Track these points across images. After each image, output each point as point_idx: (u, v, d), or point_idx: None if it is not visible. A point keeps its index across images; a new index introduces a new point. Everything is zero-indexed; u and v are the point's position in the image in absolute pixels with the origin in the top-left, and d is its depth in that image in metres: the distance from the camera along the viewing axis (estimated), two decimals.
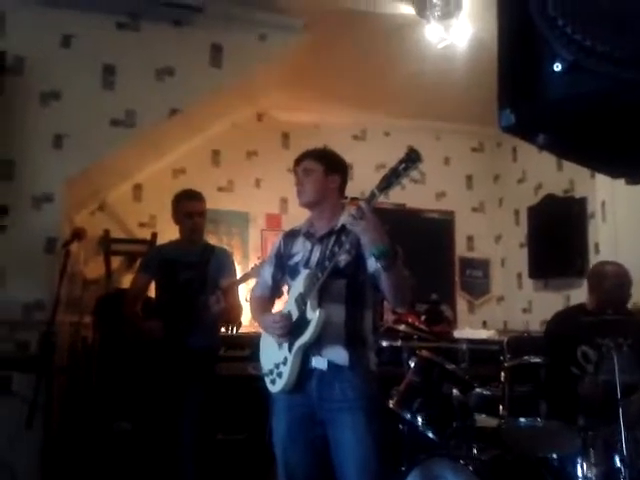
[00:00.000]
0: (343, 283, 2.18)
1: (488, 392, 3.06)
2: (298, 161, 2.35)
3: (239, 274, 3.37)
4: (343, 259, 2.17)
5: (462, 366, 3.82)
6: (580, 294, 4.16)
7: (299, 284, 2.22)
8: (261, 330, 2.42)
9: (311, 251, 2.28)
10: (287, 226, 5.69)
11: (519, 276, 5.83)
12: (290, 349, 2.19)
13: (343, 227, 2.20)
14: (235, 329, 4.17)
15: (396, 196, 5.76)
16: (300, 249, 2.33)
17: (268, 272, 2.44)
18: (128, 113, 3.82)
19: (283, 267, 2.38)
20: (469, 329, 5.31)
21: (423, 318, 4.70)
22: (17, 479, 2.93)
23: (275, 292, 2.46)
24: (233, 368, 4.08)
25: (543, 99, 0.90)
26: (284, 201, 5.48)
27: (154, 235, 4.67)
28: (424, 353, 3.13)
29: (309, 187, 2.29)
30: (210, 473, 3.26)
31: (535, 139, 1.00)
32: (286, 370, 2.18)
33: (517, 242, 5.84)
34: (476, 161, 6.11)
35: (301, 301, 2.18)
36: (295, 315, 2.21)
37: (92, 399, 3.76)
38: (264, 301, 2.47)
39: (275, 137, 5.50)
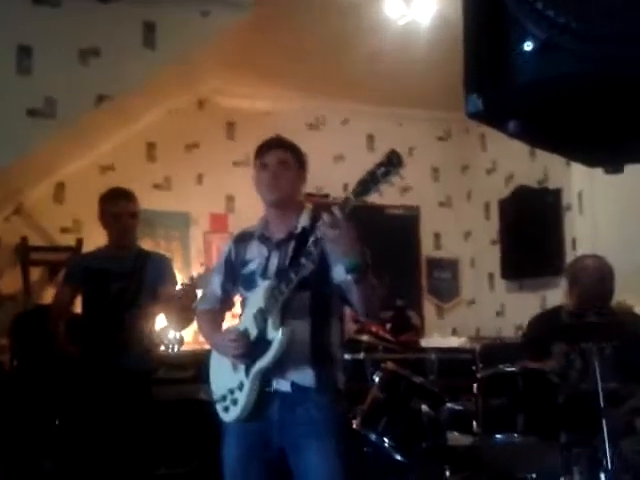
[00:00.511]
0: (307, 295, 2.17)
1: (460, 407, 3.10)
2: (267, 149, 2.30)
3: (179, 284, 3.32)
4: (308, 269, 2.14)
5: (431, 378, 3.86)
6: (558, 294, 4.26)
7: (258, 297, 2.18)
8: (210, 348, 2.38)
9: (268, 258, 2.26)
10: (234, 228, 5.77)
11: (491, 277, 5.95)
12: (247, 372, 2.16)
13: (304, 231, 2.21)
14: (177, 346, 4.13)
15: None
16: (255, 255, 2.30)
17: (217, 282, 2.40)
18: (47, 101, 3.73)
19: (235, 276, 2.35)
20: (438, 337, 5.38)
21: (388, 327, 4.73)
22: None
23: (225, 304, 2.43)
24: (174, 391, 4.03)
25: (513, 82, 0.91)
26: (230, 199, 5.45)
27: (79, 242, 4.57)
28: (389, 366, 3.15)
29: (285, 182, 2.25)
30: None
31: (505, 126, 1.01)
32: (242, 396, 2.16)
33: (488, 239, 5.96)
34: (442, 151, 6.20)
35: (261, 318, 2.15)
36: (253, 333, 2.17)
37: (10, 434, 3.65)
38: (213, 315, 2.43)
39: (219, 126, 5.47)
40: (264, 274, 2.24)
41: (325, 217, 1.95)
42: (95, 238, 3.57)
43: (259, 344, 2.14)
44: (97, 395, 3.01)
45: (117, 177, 4.79)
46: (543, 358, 3.03)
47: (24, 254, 4.56)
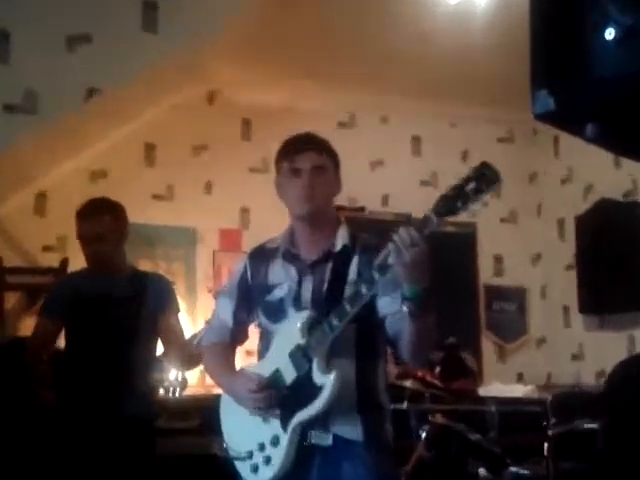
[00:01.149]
0: (352, 329, 2.16)
1: (527, 471, 3.07)
2: (298, 150, 2.27)
3: (182, 313, 3.35)
4: (364, 299, 2.11)
5: (491, 435, 3.82)
6: None
7: (293, 332, 2.16)
8: (221, 392, 2.36)
9: (299, 283, 2.25)
10: (250, 245, 5.72)
11: (565, 310, 5.89)
12: (285, 424, 2.13)
13: (344, 249, 2.23)
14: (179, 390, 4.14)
15: (398, 202, 5.91)
16: (282, 279, 2.28)
17: (228, 309, 2.39)
18: (28, 95, 3.80)
19: (251, 302, 2.35)
20: (499, 384, 5.31)
21: (437, 371, 4.70)
22: None
23: (238, 338, 2.42)
24: (175, 445, 4.04)
25: (590, 77, 0.91)
26: (245, 212, 5.49)
27: (64, 262, 4.60)
28: (439, 419, 3.15)
29: (322, 191, 2.24)
30: None
31: (581, 129, 1.01)
32: (278, 453, 2.14)
33: (562, 264, 5.90)
34: (504, 156, 6.14)
35: (302, 358, 2.13)
36: (290, 376, 2.16)
37: None
38: (224, 351, 2.41)
39: (232, 125, 5.52)
40: (296, 303, 2.23)
41: (402, 233, 1.95)
42: (83, 258, 3.61)
43: (300, 390, 2.13)
44: (87, 450, 3.01)
45: (110, 185, 4.84)
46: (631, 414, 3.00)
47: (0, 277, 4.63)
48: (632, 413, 3.00)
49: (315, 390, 2.09)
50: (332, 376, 2.08)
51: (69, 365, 3.21)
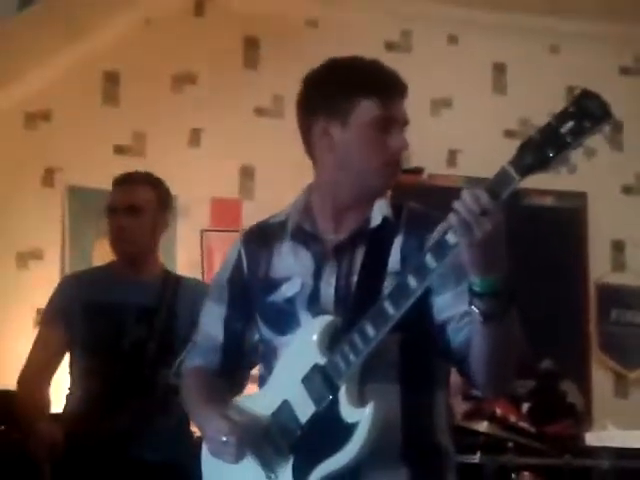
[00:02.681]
0: (395, 342, 2.12)
1: None
2: (396, 94, 2.26)
3: None
4: (414, 296, 2.04)
5: None
6: None
7: (308, 347, 2.14)
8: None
9: (318, 275, 2.23)
10: (254, 221, 5.83)
11: None
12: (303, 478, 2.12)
13: (385, 225, 2.20)
14: None
15: (471, 161, 5.84)
16: (293, 269, 2.27)
17: (218, 316, 2.40)
18: None
19: (249, 305, 2.35)
20: (616, 429, 5.31)
21: (526, 408, 4.71)
22: None
23: (233, 358, 2.42)
24: None
25: None
26: (248, 173, 5.54)
27: None
28: (527, 478, 3.15)
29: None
30: None
31: None
32: None
33: None
34: (630, 93, 6.12)
35: (323, 384, 2.10)
36: (306, 411, 2.13)
37: None
38: (210, 378, 2.41)
39: (230, 46, 5.56)
40: (313, 305, 2.20)
41: (468, 198, 1.87)
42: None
43: (321, 430, 2.10)
44: None
45: (54, 131, 4.96)
46: None
47: None
48: None
49: (344, 431, 2.04)
50: (368, 410, 2.01)
51: (75, 396, 3.41)
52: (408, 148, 2.24)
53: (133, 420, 3.22)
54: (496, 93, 5.97)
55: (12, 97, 5.05)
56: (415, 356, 2.15)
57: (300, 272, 2.24)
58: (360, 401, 2.04)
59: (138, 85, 5.37)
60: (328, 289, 2.20)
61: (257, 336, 2.35)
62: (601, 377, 5.96)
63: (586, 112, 1.78)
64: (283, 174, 5.45)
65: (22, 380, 3.44)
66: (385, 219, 2.20)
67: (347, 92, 2.22)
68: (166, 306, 3.38)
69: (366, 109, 2.20)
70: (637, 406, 5.93)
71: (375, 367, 2.09)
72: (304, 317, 2.20)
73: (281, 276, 2.26)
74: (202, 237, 5.45)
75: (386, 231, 2.20)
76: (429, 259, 1.94)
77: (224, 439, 2.11)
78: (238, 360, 2.41)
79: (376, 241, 2.21)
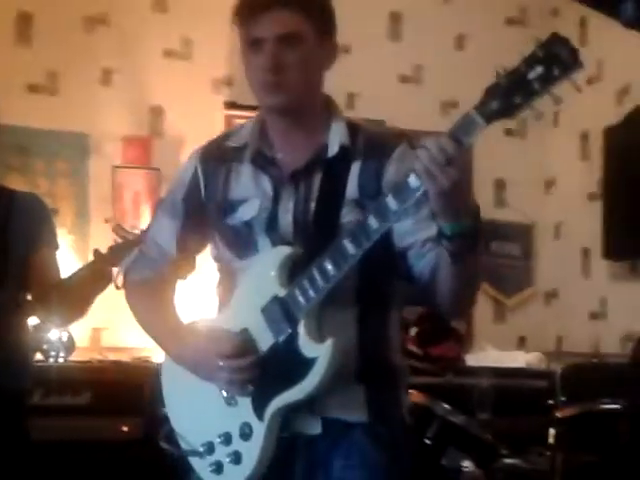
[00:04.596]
0: (354, 268, 2.01)
1: (525, 464, 3.16)
2: (257, 10, 2.09)
3: (69, 249, 3.35)
4: (352, 221, 2.02)
5: (481, 418, 3.90)
6: None
7: (267, 277, 2.07)
8: (164, 357, 2.31)
9: (276, 199, 2.15)
10: (163, 160, 5.60)
11: (585, 254, 5.99)
12: (261, 411, 2.06)
13: (343, 152, 2.11)
14: (64, 354, 4.15)
15: (365, 105, 5.85)
16: (252, 192, 2.18)
17: (170, 232, 2.32)
18: None
19: (204, 224, 2.27)
20: (494, 351, 5.42)
21: (413, 332, 4.77)
22: None
23: (181, 268, 2.39)
24: (59, 428, 4.09)
25: None
26: (157, 113, 5.48)
27: None
28: (414, 396, 3.19)
29: (298, 72, 2.08)
30: None
31: (618, 9, 1.02)
32: (252, 450, 2.08)
33: (583, 192, 5.98)
34: (514, 43, 6.14)
35: (282, 316, 2.04)
36: (265, 342, 2.09)
37: None
38: (163, 291, 2.37)
39: None
40: (271, 230, 2.14)
41: (432, 146, 1.77)
42: None
43: (280, 363, 2.05)
44: None
45: None
46: None
47: None
48: None
49: (303, 365, 1.99)
50: (328, 345, 1.96)
51: None
52: (272, 65, 2.06)
53: None
54: (392, 40, 5.94)
55: None
56: (373, 280, 2.09)
57: (258, 195, 2.16)
58: (320, 336, 1.99)
59: (51, 25, 5.25)
60: (286, 215, 2.12)
61: (215, 254, 2.29)
62: (481, 303, 6.05)
63: (555, 58, 1.69)
64: (192, 114, 5.41)
65: None
66: (343, 147, 2.11)
67: (235, 22, 2.13)
68: None
69: (240, 35, 2.13)
70: (513, 329, 6.09)
71: (334, 293, 2.01)
72: (262, 242, 2.14)
73: (238, 198, 2.19)
74: (113, 173, 5.35)
75: (343, 157, 2.11)
76: (391, 201, 1.86)
77: (221, 363, 2.08)
78: (182, 271, 2.39)
79: (333, 168, 2.11)
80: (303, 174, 2.13)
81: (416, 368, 4.21)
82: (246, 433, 2.09)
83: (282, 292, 2.03)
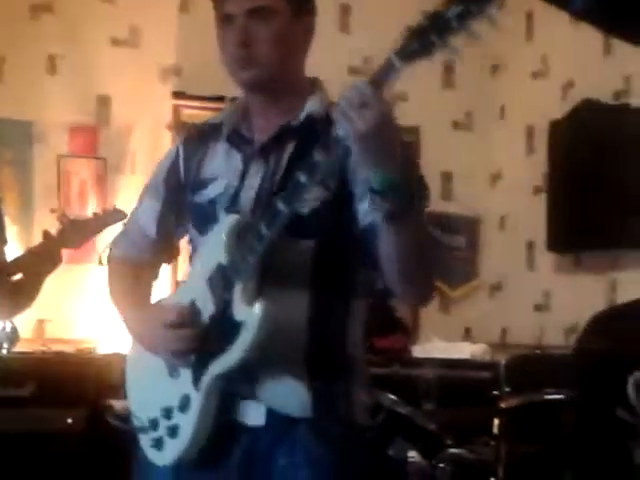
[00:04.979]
0: (308, 247, 2.01)
1: (470, 454, 3.16)
2: None
3: (13, 239, 3.29)
4: (311, 198, 1.94)
5: (426, 409, 3.91)
6: (637, 278, 4.33)
7: (216, 247, 2.04)
8: (129, 337, 2.27)
9: (243, 176, 2.13)
10: (110, 150, 5.60)
11: (530, 247, 6.04)
12: (197, 381, 2.04)
13: (311, 122, 2.07)
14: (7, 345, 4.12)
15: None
16: (223, 170, 2.17)
17: (151, 213, 2.32)
18: None
19: (183, 204, 2.26)
20: (439, 342, 5.43)
21: None
22: None
23: (162, 253, 2.38)
24: (2, 419, 4.09)
25: None
26: (104, 101, 5.43)
27: None
28: None
29: (269, 46, 2.06)
30: None
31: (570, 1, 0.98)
32: (188, 421, 2.05)
33: (529, 185, 6.02)
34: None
35: (221, 282, 2.02)
36: (207, 310, 2.06)
37: None
38: (139, 270, 2.36)
39: None
40: (233, 204, 2.11)
41: (349, 92, 1.75)
42: None
43: (217, 330, 2.01)
44: None
45: None
46: (610, 383, 3.10)
47: None
48: (610, 382, 3.11)
49: (234, 329, 1.95)
50: (257, 307, 1.91)
51: None
52: (242, 39, 2.05)
53: None
54: (341, 32, 5.95)
55: None
56: (332, 264, 2.04)
57: (228, 173, 2.15)
58: (253, 301, 1.93)
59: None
60: (249, 191, 2.10)
61: (188, 236, 2.28)
62: None
63: None
64: (138, 102, 5.38)
65: None
66: (308, 116, 2.09)
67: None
68: None
69: (215, 13, 2.12)
70: (458, 321, 6.12)
71: (286, 271, 2.00)
72: (222, 217, 2.11)
73: (209, 177, 2.18)
74: (59, 162, 5.31)
75: (312, 128, 2.04)
76: (317, 155, 1.84)
77: (170, 328, 2.05)
78: (165, 254, 2.38)
79: (303, 140, 2.05)
80: (272, 148, 2.10)
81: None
82: (184, 405, 2.07)
83: (225, 259, 2.00)
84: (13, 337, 3.74)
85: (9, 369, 4.15)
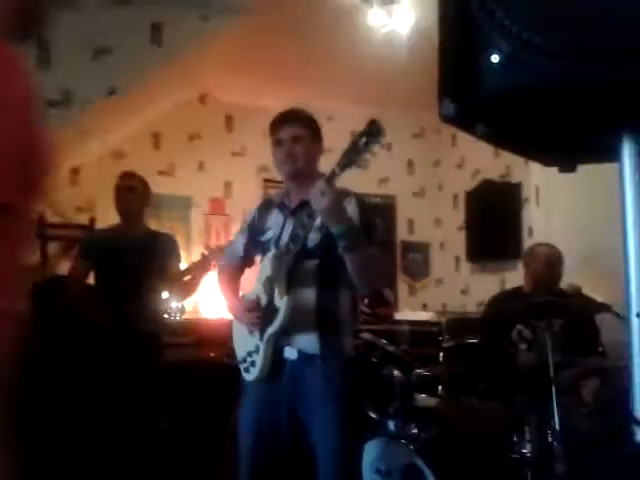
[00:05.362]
0: (314, 264, 2.02)
1: (428, 372, 3.13)
2: (280, 124, 2.11)
3: (184, 260, 3.35)
4: (314, 238, 2.00)
5: (403, 347, 3.88)
6: (515, 276, 4.30)
7: (266, 266, 2.09)
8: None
9: (283, 227, 2.12)
10: (231, 211, 5.84)
11: (457, 259, 6.02)
12: (261, 338, 2.06)
13: None
14: (179, 314, 4.13)
15: (339, 181, 5.86)
16: (273, 224, 2.16)
17: (241, 242, 2.29)
18: (64, 93, 3.68)
19: (256, 242, 2.23)
20: (409, 311, 5.41)
21: (365, 301, 4.74)
22: None
23: (245, 263, 2.32)
24: (176, 354, 4.01)
25: (481, 90, 0.91)
26: (228, 185, 5.44)
27: (92, 220, 4.54)
28: (366, 336, 3.16)
29: (300, 154, 2.08)
30: (155, 460, 3.21)
31: (473, 129, 1.01)
32: (259, 359, 2.06)
33: (455, 226, 6.01)
34: (417, 147, 6.19)
35: (269, 286, 2.05)
36: (264, 300, 2.08)
37: (28, 386, 3.63)
38: (233, 272, 2.33)
39: (218, 119, 5.43)
40: (277, 244, 2.10)
41: (314, 188, 1.83)
42: (106, 217, 3.50)
43: (269, 311, 2.04)
44: (115, 356, 3.03)
45: (127, 163, 4.76)
46: (501, 332, 3.07)
47: (42, 230, 4.52)
48: (500, 331, 3.09)
49: (276, 311, 2.00)
50: (285, 300, 1.97)
51: (100, 297, 3.16)
52: (286, 157, 2.07)
53: (133, 310, 3.04)
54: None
55: None
56: (326, 271, 2.04)
57: (275, 225, 2.15)
58: (283, 296, 1.99)
59: (173, 138, 5.19)
60: (285, 235, 2.09)
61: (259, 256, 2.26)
62: (402, 285, 6.07)
63: (371, 132, 1.78)
64: (247, 186, 5.36)
65: (67, 287, 3.26)
66: None
67: (269, 131, 2.14)
68: (149, 247, 3.15)
69: (271, 138, 2.12)
70: (419, 300, 6.08)
71: (302, 277, 2.02)
72: (272, 249, 2.12)
73: (266, 227, 2.18)
74: (204, 218, 5.32)
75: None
76: (305, 219, 1.95)
77: (246, 312, 2.11)
78: (248, 264, 2.33)
79: (310, 208, 2.02)
80: (298, 210, 2.09)
81: (368, 321, 4.16)
82: (257, 350, 2.08)
83: (270, 272, 2.06)
84: (181, 310, 3.74)
85: (179, 328, 4.10)
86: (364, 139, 1.78)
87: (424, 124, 6.16)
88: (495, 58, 0.88)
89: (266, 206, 2.24)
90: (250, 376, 2.12)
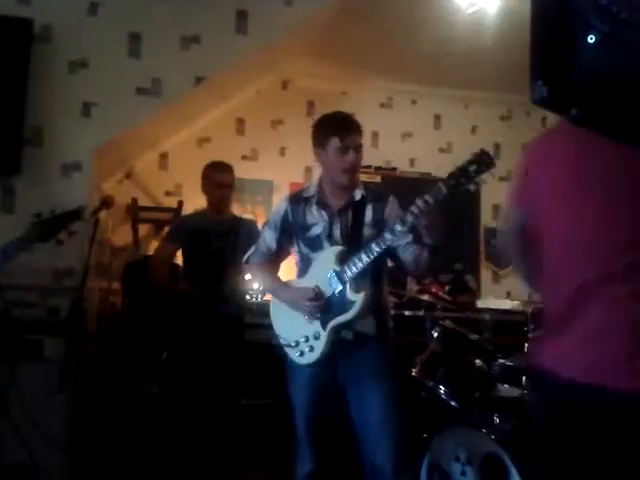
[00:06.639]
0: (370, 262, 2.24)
1: (511, 363, 3.07)
2: (350, 130, 2.26)
3: None
4: (369, 234, 2.23)
5: (485, 336, 3.82)
6: None
7: (329, 260, 2.22)
8: (271, 297, 2.44)
9: (331, 224, 2.29)
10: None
11: None
12: (324, 325, 2.21)
13: (362, 200, 2.28)
14: (260, 296, 4.20)
15: (422, 165, 5.81)
16: (318, 219, 2.31)
17: (272, 237, 2.41)
18: (154, 82, 3.82)
19: (290, 234, 2.38)
20: (493, 299, 5.29)
21: (447, 288, 4.69)
22: (48, 440, 3.03)
23: (280, 257, 2.47)
24: (256, 334, 4.12)
25: (576, 72, 0.89)
26: (308, 170, 5.44)
27: (180, 203, 4.73)
28: (447, 323, 3.15)
29: (359, 165, 2.31)
30: (234, 436, 3.33)
31: (568, 112, 0.98)
32: (319, 345, 2.22)
33: None
34: (504, 130, 6.00)
35: (337, 279, 2.20)
36: (328, 292, 2.22)
37: (120, 363, 3.85)
38: (270, 266, 2.45)
39: (300, 105, 5.45)
40: (330, 238, 2.28)
41: (419, 203, 1.96)
42: (193, 201, 3.63)
43: (336, 303, 2.20)
44: (199, 334, 3.16)
45: (212, 148, 4.90)
46: None
47: (134, 213, 4.75)
48: None
49: (349, 304, 2.16)
50: (362, 295, 2.15)
51: (186, 277, 3.29)
52: (352, 166, 2.25)
53: (218, 291, 3.14)
54: (435, 129, 5.74)
55: None
56: (377, 265, 2.25)
57: (322, 221, 2.31)
58: (357, 290, 2.18)
59: (256, 124, 5.21)
60: (337, 231, 2.28)
61: (297, 249, 2.38)
62: (486, 273, 5.93)
63: (483, 162, 1.93)
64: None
65: (153, 267, 3.37)
66: (363, 196, 2.30)
67: (325, 133, 2.28)
68: (234, 232, 3.26)
69: (333, 142, 2.25)
70: (503, 288, 5.90)
71: (363, 273, 2.19)
72: (326, 244, 2.29)
73: (312, 222, 2.33)
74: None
75: (362, 202, 2.29)
76: (397, 226, 2.05)
77: (306, 303, 2.23)
78: (282, 256, 2.48)
79: (358, 207, 2.29)
80: (344, 210, 2.30)
81: (448, 308, 4.12)
82: (317, 336, 2.22)
83: (338, 268, 2.20)
84: (263, 292, 3.80)
85: (260, 309, 4.20)
86: (474, 167, 1.93)
87: (512, 106, 5.94)
88: (591, 39, 0.86)
89: (298, 201, 2.36)
90: (306, 360, 2.26)
